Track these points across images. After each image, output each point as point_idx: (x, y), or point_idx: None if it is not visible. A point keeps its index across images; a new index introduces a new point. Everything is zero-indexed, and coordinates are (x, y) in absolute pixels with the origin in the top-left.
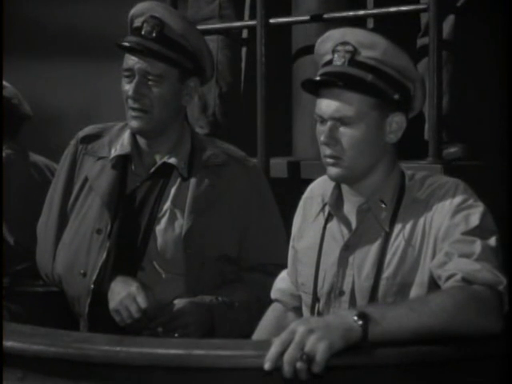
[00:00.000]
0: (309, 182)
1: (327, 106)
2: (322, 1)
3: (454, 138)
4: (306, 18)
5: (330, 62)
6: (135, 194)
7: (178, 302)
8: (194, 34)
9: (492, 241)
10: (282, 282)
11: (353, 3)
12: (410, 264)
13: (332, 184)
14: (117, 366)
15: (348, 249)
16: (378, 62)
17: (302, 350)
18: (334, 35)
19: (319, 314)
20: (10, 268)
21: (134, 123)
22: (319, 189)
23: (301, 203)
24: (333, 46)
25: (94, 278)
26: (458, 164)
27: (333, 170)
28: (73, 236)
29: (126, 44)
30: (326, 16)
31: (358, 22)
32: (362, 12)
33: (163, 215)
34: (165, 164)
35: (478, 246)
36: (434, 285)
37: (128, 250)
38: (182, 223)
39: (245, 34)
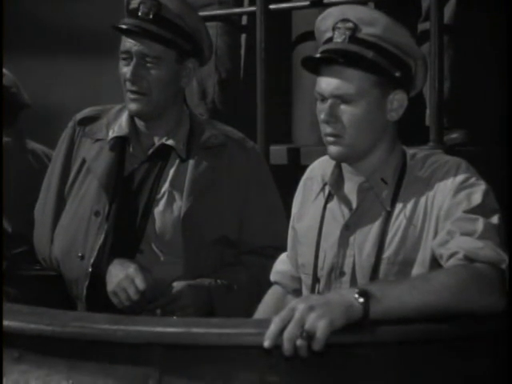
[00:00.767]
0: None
1: (328, 83)
2: None
3: (455, 124)
4: (306, 3)
5: (330, 40)
6: (133, 176)
7: (177, 285)
8: (191, 15)
9: (494, 219)
10: (281, 265)
11: None
12: (411, 243)
13: (332, 164)
14: (115, 345)
15: (348, 229)
16: (379, 38)
17: (302, 328)
18: (335, 12)
19: (319, 294)
20: (8, 252)
21: (133, 106)
22: (319, 169)
23: (301, 184)
24: (333, 23)
25: (92, 260)
26: (459, 149)
27: (333, 149)
28: (71, 219)
29: (123, 26)
30: (326, 1)
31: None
32: None
33: (161, 197)
34: (163, 145)
35: (480, 224)
36: (435, 264)
37: (126, 232)
38: (180, 205)
39: (244, 20)
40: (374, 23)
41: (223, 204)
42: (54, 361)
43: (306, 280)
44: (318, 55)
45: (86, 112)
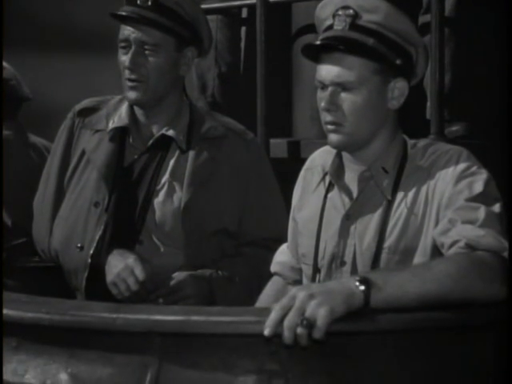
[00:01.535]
0: None
1: (328, 71)
2: None
3: (456, 116)
4: None
5: (330, 27)
6: (133, 167)
7: (178, 275)
8: (190, 3)
9: (496, 207)
10: (281, 256)
11: None
12: (412, 232)
13: (332, 154)
14: (114, 333)
15: (349, 218)
16: (380, 25)
17: (302, 316)
18: (335, 0)
19: None
20: (7, 243)
21: (131, 94)
22: (319, 159)
23: (301, 174)
24: (333, 10)
25: (92, 251)
26: (460, 142)
27: (334, 137)
28: (70, 210)
29: (122, 13)
30: None
31: None
32: None
33: (161, 188)
34: (163, 136)
35: (481, 213)
36: (436, 253)
37: (126, 223)
38: (180, 196)
39: (244, 13)
40: (374, 10)
41: (223, 195)
42: (53, 350)
43: (307, 270)
44: (318, 42)
45: (86, 103)
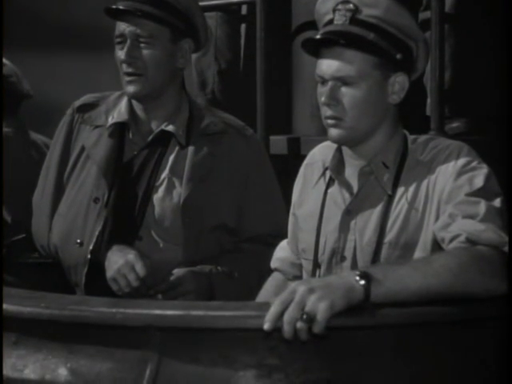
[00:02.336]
0: None
1: (328, 65)
2: None
3: (456, 113)
4: None
5: (330, 22)
6: (133, 163)
7: (178, 271)
8: None
9: (496, 202)
10: (281, 251)
11: None
12: (412, 227)
13: (333, 149)
14: (113, 328)
15: (350, 213)
16: (380, 20)
17: (302, 310)
18: None
19: None
20: (6, 239)
21: (130, 88)
22: (320, 154)
23: (301, 169)
24: (334, 4)
25: (91, 247)
26: (461, 138)
27: (334, 132)
28: (69, 205)
29: (118, 7)
30: None
31: None
32: None
33: (161, 184)
34: (163, 132)
35: (482, 207)
36: (437, 248)
37: (125, 218)
38: (179, 192)
39: (244, 10)
40: (375, 5)
41: (223, 191)
42: (52, 345)
43: (307, 265)
44: (318, 37)
45: (85, 99)
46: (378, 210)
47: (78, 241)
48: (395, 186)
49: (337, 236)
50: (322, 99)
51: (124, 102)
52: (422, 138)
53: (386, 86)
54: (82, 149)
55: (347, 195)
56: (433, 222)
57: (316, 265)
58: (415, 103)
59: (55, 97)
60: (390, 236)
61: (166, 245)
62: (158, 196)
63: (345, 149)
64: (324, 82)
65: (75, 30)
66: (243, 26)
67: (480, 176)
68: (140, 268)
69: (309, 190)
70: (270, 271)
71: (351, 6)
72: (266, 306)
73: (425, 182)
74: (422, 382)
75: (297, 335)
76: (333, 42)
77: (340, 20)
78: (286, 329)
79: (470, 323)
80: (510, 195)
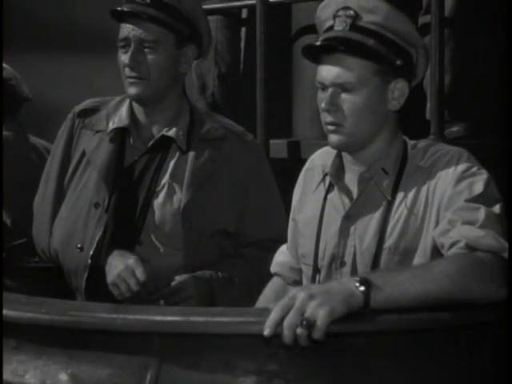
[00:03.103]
0: None
1: (328, 72)
2: None
3: (456, 117)
4: None
5: (331, 28)
6: (133, 168)
7: (179, 277)
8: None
9: (496, 208)
10: (281, 256)
11: None
12: (412, 233)
13: (333, 155)
14: (114, 333)
15: (349, 218)
16: (380, 26)
17: (302, 316)
18: (336, 0)
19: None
20: (7, 244)
21: (132, 89)
22: (320, 160)
23: (301, 174)
24: (334, 11)
25: (92, 252)
26: (460, 143)
27: (334, 138)
28: (70, 210)
29: (123, 9)
30: None
31: None
32: None
33: (161, 189)
34: (163, 137)
35: (481, 213)
36: (436, 254)
37: (126, 223)
38: (180, 197)
39: (244, 13)
40: (375, 11)
41: (223, 196)
42: (53, 350)
43: (307, 271)
44: (318, 43)
45: (86, 104)
46: (377, 216)
47: (79, 245)
48: (395, 192)
49: (336, 241)
50: (322, 105)
51: (125, 107)
52: (422, 143)
53: (386, 92)
54: (83, 154)
55: (347, 200)
56: (432, 228)
57: (316, 270)
58: (415, 107)
59: (56, 99)
60: (389, 241)
61: (167, 250)
62: (158, 201)
63: (345, 154)
64: (324, 88)
65: (76, 32)
66: (243, 30)
67: (480, 182)
68: (140, 273)
69: (309, 195)
70: (269, 276)
71: (351, 12)
72: (265, 312)
73: (424, 188)
74: None
75: (297, 341)
76: (333, 48)
77: (340, 26)
78: (286, 335)
79: (469, 329)
80: (510, 199)
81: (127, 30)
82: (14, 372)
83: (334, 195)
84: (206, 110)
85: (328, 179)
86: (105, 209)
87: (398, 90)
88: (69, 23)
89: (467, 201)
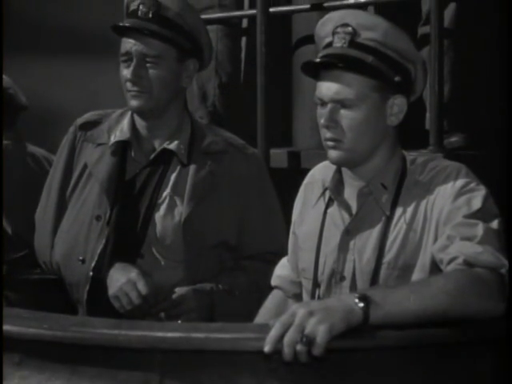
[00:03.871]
0: (309, 171)
1: (327, 88)
2: None
3: (455, 128)
4: (306, 6)
5: (330, 44)
6: (135, 181)
7: (180, 289)
8: (191, 14)
9: (494, 224)
10: (282, 269)
11: None
12: (411, 248)
13: (333, 169)
14: (115, 349)
15: (349, 233)
16: (379, 43)
17: (302, 333)
18: (334, 17)
19: (320, 299)
20: (8, 256)
21: (134, 102)
22: (320, 174)
23: (301, 188)
24: (333, 28)
25: (93, 264)
26: (459, 153)
27: (333, 153)
28: (72, 223)
29: (124, 24)
30: (326, 5)
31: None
32: (362, 0)
33: (163, 202)
34: (165, 150)
35: (480, 229)
36: (435, 269)
37: (127, 236)
38: (181, 210)
39: (245, 23)
40: (373, 28)
41: (223, 209)
42: (55, 366)
43: (307, 285)
44: (317, 60)
45: (87, 117)
46: (376, 231)
47: (80, 258)
48: (394, 207)
49: (336, 256)
50: (322, 121)
51: (126, 121)
52: (421, 158)
53: (385, 108)
54: (85, 166)
55: (346, 215)
56: (431, 243)
57: (316, 284)
58: (414, 117)
59: (56, 101)
60: (388, 256)
61: (167, 262)
62: (159, 214)
63: (344, 170)
64: (323, 104)
65: (77, 36)
66: (244, 40)
67: (478, 197)
68: (142, 286)
69: (309, 210)
70: (270, 288)
71: (350, 29)
72: (266, 328)
73: (423, 203)
74: None
75: (297, 357)
76: (332, 65)
77: (339, 43)
78: (286, 351)
79: (468, 345)
80: (510, 209)
81: (129, 44)
82: None
83: (334, 210)
84: (207, 124)
85: (328, 194)
86: (106, 221)
87: (397, 106)
88: (67, 26)
89: (465, 216)
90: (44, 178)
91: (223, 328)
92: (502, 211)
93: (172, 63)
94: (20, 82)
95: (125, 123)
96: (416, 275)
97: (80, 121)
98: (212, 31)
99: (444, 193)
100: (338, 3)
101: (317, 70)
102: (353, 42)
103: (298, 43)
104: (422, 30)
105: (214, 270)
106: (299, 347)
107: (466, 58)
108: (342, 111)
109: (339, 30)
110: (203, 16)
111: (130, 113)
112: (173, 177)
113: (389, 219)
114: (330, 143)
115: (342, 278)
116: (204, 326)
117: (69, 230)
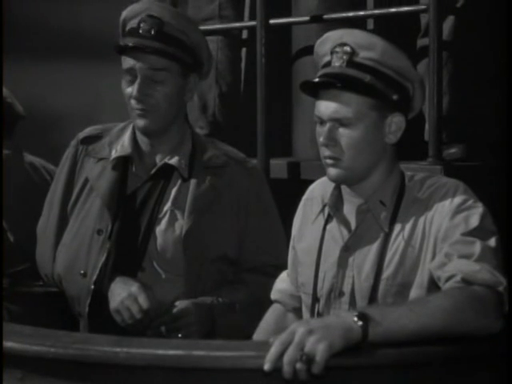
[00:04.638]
0: (309, 182)
1: (326, 107)
2: (322, 1)
3: (454, 139)
4: (306, 18)
5: (328, 64)
6: (136, 195)
7: (181, 303)
8: (193, 29)
9: (492, 241)
10: (281, 283)
11: (353, 3)
12: (409, 264)
13: (332, 186)
14: (117, 367)
15: (348, 249)
16: (376, 62)
17: (301, 351)
18: (333, 36)
19: (319, 314)
20: (11, 269)
21: (141, 122)
22: (319, 190)
23: (301, 204)
24: (331, 47)
25: (95, 278)
26: (458, 165)
27: (332, 171)
28: (73, 236)
29: (128, 44)
30: (325, 17)
31: (358, 23)
32: (362, 12)
33: (163, 216)
34: (166, 165)
35: (477, 247)
36: (433, 286)
37: (128, 250)
38: (182, 224)
39: (245, 34)
40: (371, 47)
41: (224, 223)
42: (57, 382)
43: (306, 299)
44: (316, 80)
45: (89, 131)
46: (375, 247)
47: (82, 272)
48: (392, 224)
49: (335, 271)
50: (321, 140)
51: (127, 135)
52: (419, 175)
53: (383, 126)
54: (86, 181)
55: (345, 232)
56: (429, 260)
57: (315, 299)
58: (413, 129)
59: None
60: (387, 272)
61: (168, 276)
62: (160, 228)
63: (343, 186)
64: (322, 122)
65: (78, 39)
66: (244, 50)
67: (475, 215)
68: (143, 300)
69: (308, 225)
70: (270, 302)
71: (348, 48)
72: (266, 346)
73: (421, 220)
74: None
75: (296, 375)
76: (330, 84)
77: (337, 62)
78: (286, 369)
79: (467, 362)
80: (509, 220)
81: (133, 61)
82: None
83: (333, 226)
84: (208, 137)
85: (327, 210)
86: (107, 236)
87: (395, 124)
88: (68, 29)
89: (463, 234)
90: (43, 186)
91: (223, 346)
92: (501, 223)
93: (177, 79)
94: (21, 85)
95: (126, 138)
96: (414, 291)
97: (81, 135)
98: (212, 42)
99: (442, 210)
100: (337, 15)
101: (316, 89)
102: (351, 62)
103: (297, 54)
104: (421, 42)
105: (215, 284)
106: (299, 365)
107: (465, 70)
108: (341, 130)
109: (338, 49)
110: (204, 27)
111: (131, 127)
112: (173, 191)
113: (387, 236)
114: (329, 161)
115: (341, 294)
116: (204, 344)
117: (70, 244)
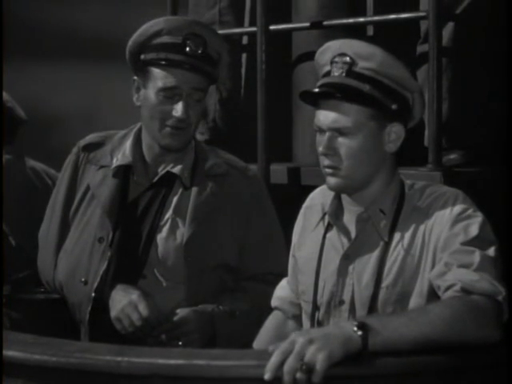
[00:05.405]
0: (309, 188)
1: (325, 116)
2: (322, 7)
3: (453, 145)
4: (306, 24)
5: (328, 73)
6: (137, 203)
7: (181, 311)
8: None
9: (491, 251)
10: (282, 291)
11: (353, 10)
12: (409, 273)
13: (332, 194)
14: (118, 376)
15: (348, 258)
16: (376, 72)
17: (301, 360)
18: (332, 46)
19: (319, 322)
20: (12, 275)
21: (174, 142)
22: (319, 198)
23: (301, 212)
24: (331, 57)
25: (95, 285)
26: (458, 171)
27: (332, 180)
28: (74, 244)
29: (176, 59)
30: (325, 23)
31: (358, 29)
32: (361, 19)
33: (165, 224)
34: (168, 173)
35: (476, 257)
36: (433, 294)
37: (129, 258)
38: (183, 232)
39: (245, 40)
40: (370, 57)
41: (224, 231)
42: None
43: (306, 307)
44: (315, 90)
45: (90, 138)
46: (375, 256)
47: (83, 279)
48: (392, 232)
49: (335, 280)
50: (320, 149)
51: (128, 144)
52: (419, 184)
53: (382, 135)
54: (87, 188)
55: (345, 240)
56: (429, 269)
57: (315, 307)
58: (413, 134)
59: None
60: (387, 281)
61: (169, 283)
62: (161, 236)
63: (343, 195)
64: (322, 132)
65: (79, 41)
66: (244, 56)
67: (475, 225)
68: (143, 308)
69: (308, 233)
70: (270, 309)
71: (347, 58)
72: (266, 355)
73: (421, 229)
74: None
75: None
76: (330, 94)
77: (337, 72)
78: (286, 379)
79: (466, 371)
80: (509, 226)
81: (177, 80)
82: None
83: (333, 234)
84: (209, 146)
85: (327, 218)
86: (109, 243)
87: (395, 133)
88: (68, 30)
89: (463, 244)
90: (45, 191)
91: (224, 355)
92: (500, 229)
93: (205, 94)
94: (21, 86)
95: (127, 147)
96: (414, 300)
97: (83, 142)
98: None
99: (442, 219)
100: (337, 22)
101: (315, 99)
102: (350, 72)
103: (297, 60)
104: (421, 48)
105: (215, 291)
106: (299, 375)
107: (465, 76)
108: (340, 139)
109: (337, 59)
110: None
111: (132, 135)
112: (175, 199)
113: (387, 244)
114: (329, 170)
115: (341, 302)
116: (204, 353)
117: (72, 251)
